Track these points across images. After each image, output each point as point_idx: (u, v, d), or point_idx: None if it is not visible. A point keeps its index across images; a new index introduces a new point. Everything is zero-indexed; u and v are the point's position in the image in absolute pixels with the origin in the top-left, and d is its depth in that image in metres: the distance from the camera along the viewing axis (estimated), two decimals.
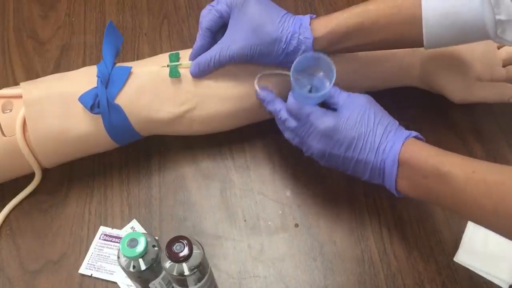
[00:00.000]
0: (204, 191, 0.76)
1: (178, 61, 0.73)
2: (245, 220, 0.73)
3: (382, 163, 0.63)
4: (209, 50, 0.71)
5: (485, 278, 0.67)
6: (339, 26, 0.67)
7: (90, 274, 0.70)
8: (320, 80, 0.67)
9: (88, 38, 0.93)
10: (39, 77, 0.78)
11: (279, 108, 0.69)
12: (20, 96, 0.71)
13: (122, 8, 0.96)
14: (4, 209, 0.75)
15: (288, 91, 0.68)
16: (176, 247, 0.56)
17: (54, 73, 0.76)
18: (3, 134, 0.70)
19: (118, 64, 0.73)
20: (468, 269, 0.68)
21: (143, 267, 0.59)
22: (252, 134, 0.79)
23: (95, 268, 0.70)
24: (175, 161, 0.78)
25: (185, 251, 0.56)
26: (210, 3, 0.72)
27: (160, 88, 0.72)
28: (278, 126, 0.71)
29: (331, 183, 0.75)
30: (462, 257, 0.69)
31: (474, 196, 0.56)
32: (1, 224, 0.74)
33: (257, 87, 0.71)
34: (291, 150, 0.71)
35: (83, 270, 0.70)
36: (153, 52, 0.89)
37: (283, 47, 0.68)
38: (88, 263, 0.71)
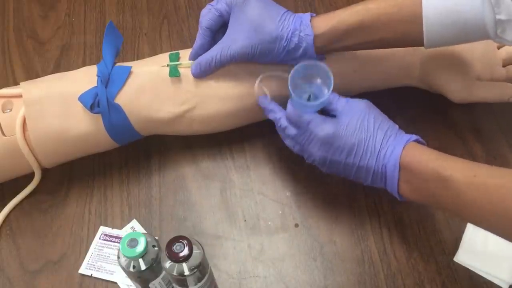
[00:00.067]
0: (204, 191, 0.76)
1: (178, 61, 0.73)
2: (245, 220, 0.73)
3: (383, 167, 0.63)
4: (210, 50, 0.71)
5: (485, 278, 0.67)
6: (340, 24, 0.67)
7: (90, 274, 0.70)
8: (318, 87, 0.67)
9: (88, 38, 0.92)
10: (39, 77, 0.78)
11: (279, 116, 0.69)
12: (20, 96, 0.71)
13: (122, 8, 0.96)
14: (4, 209, 0.75)
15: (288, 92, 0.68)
16: (176, 247, 0.56)
17: (54, 73, 0.76)
18: (3, 133, 0.70)
19: (118, 64, 0.73)
20: (468, 269, 0.68)
21: (143, 267, 0.59)
22: (252, 134, 0.79)
23: (95, 268, 0.70)
24: (175, 161, 0.78)
25: (185, 251, 0.56)
26: (210, 3, 0.72)
27: (160, 88, 0.72)
28: (279, 133, 0.71)
29: (331, 183, 0.75)
30: (462, 257, 0.68)
31: (475, 199, 0.56)
32: (1, 224, 0.74)
33: (257, 95, 0.71)
34: (291, 150, 0.71)
35: (83, 270, 0.70)
36: (153, 52, 0.89)
37: (284, 44, 0.68)
38: (88, 263, 0.71)
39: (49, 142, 0.71)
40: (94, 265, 0.70)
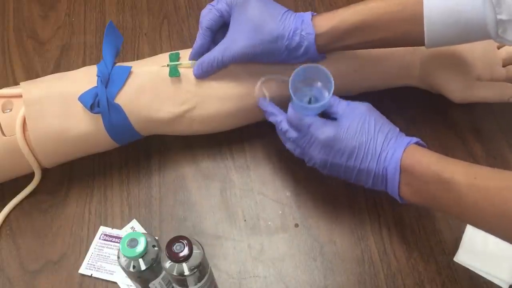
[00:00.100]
0: (204, 191, 0.76)
1: (178, 61, 0.73)
2: (245, 220, 0.73)
3: (384, 170, 0.63)
4: (211, 51, 0.71)
5: (485, 278, 0.67)
6: (342, 23, 0.67)
7: (90, 274, 0.70)
8: (318, 90, 0.67)
9: (88, 38, 0.92)
10: (39, 77, 0.78)
11: (280, 119, 0.69)
12: (20, 96, 0.71)
13: (122, 8, 0.96)
14: (4, 209, 0.75)
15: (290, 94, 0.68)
16: (176, 247, 0.56)
17: (54, 73, 0.76)
18: (3, 133, 0.70)
19: (118, 64, 0.73)
20: (468, 269, 0.68)
21: (143, 267, 0.59)
22: (252, 134, 0.79)
23: (95, 268, 0.70)
24: (175, 161, 0.78)
25: (185, 251, 0.56)
26: (211, 3, 0.72)
27: (160, 88, 0.72)
28: (280, 137, 0.71)
29: (331, 183, 0.75)
30: (462, 257, 0.68)
31: (476, 202, 0.56)
32: (1, 224, 0.74)
33: (258, 98, 0.71)
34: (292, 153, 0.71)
35: (83, 270, 0.70)
36: (153, 52, 0.89)
37: (286, 44, 0.68)
38: (88, 263, 0.71)
39: (49, 142, 0.71)
40: (94, 265, 0.70)
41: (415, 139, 0.64)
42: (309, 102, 0.67)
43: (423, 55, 0.75)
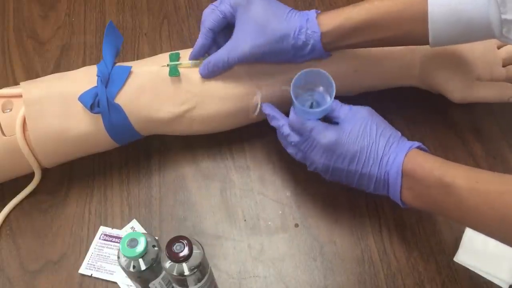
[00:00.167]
0: (204, 191, 0.76)
1: (178, 61, 0.73)
2: (245, 220, 0.73)
3: (386, 174, 0.63)
4: (218, 51, 0.71)
5: (485, 278, 0.67)
6: (347, 21, 0.67)
7: (90, 274, 0.70)
8: (320, 94, 0.67)
9: (88, 38, 0.92)
10: (39, 77, 0.78)
11: (282, 124, 0.69)
12: (20, 96, 0.71)
13: (122, 8, 0.96)
14: (4, 209, 0.75)
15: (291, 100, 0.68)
16: (176, 247, 0.56)
17: (54, 73, 0.76)
18: (3, 133, 0.70)
19: (118, 64, 0.73)
20: (468, 269, 0.68)
21: (143, 267, 0.59)
22: (252, 134, 0.79)
23: (95, 268, 0.70)
24: (175, 161, 0.78)
25: (185, 251, 0.56)
26: (213, 3, 0.72)
27: (160, 88, 0.72)
28: (281, 141, 0.71)
29: (331, 183, 0.74)
30: (462, 257, 0.68)
31: (477, 205, 0.56)
32: (1, 224, 0.74)
33: (259, 102, 0.72)
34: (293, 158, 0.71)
35: (83, 270, 0.70)
36: (153, 52, 0.89)
37: (292, 42, 0.68)
38: (88, 263, 0.71)
39: (49, 142, 0.71)
40: (94, 265, 0.70)
41: (417, 144, 0.64)
42: (311, 106, 0.67)
43: (423, 55, 0.75)
